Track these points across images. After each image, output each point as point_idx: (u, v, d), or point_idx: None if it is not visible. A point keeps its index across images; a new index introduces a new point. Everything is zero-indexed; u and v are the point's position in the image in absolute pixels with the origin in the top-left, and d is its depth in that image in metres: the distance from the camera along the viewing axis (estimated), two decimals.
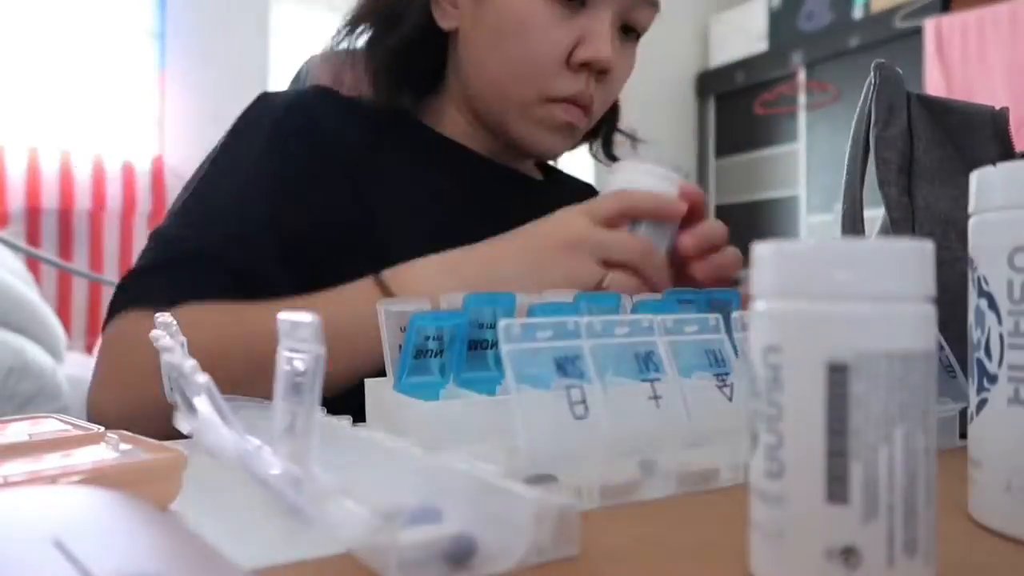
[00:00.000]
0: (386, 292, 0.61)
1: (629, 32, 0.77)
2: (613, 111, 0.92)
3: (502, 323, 0.35)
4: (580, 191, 0.96)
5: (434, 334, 0.45)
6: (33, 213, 2.37)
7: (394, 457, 0.36)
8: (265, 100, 0.77)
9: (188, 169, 0.78)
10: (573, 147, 0.85)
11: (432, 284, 0.59)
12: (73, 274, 2.34)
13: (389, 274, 0.62)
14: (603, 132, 0.93)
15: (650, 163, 0.64)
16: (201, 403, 0.32)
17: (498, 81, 0.76)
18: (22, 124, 2.40)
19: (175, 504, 0.35)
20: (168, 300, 0.60)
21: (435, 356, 0.45)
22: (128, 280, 0.67)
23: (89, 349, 2.35)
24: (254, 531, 0.32)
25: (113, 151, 2.51)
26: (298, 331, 0.29)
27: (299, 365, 0.28)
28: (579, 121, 0.76)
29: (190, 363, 0.34)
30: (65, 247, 2.43)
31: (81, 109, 2.50)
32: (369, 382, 0.49)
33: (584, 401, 0.36)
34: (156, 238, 0.70)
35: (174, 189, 2.33)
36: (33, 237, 2.36)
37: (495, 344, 0.46)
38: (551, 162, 0.97)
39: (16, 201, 2.33)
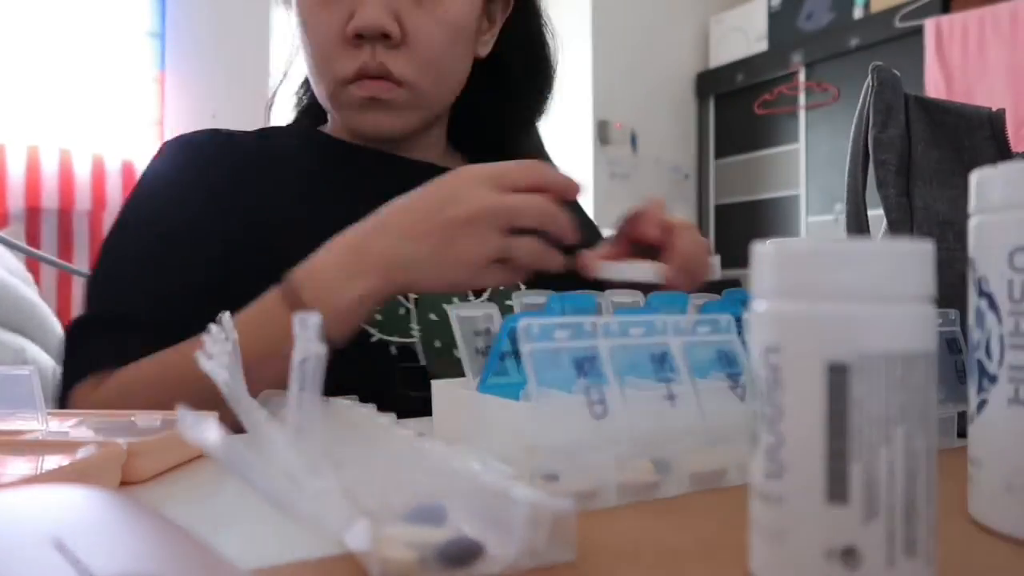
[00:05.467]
0: (299, 305, 0.56)
1: None
2: (525, 73, 0.87)
3: (522, 323, 0.35)
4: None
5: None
6: (33, 213, 2.37)
7: (408, 452, 0.36)
8: (166, 148, 0.81)
9: None
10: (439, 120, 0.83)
11: (344, 290, 0.56)
12: (73, 274, 2.34)
13: (296, 287, 0.57)
14: (522, 96, 0.89)
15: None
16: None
17: (313, 80, 0.79)
18: (22, 123, 2.40)
19: (177, 505, 0.35)
20: (110, 364, 0.63)
21: (511, 357, 0.45)
22: (74, 337, 0.69)
23: None
24: (254, 531, 0.32)
25: (113, 151, 2.50)
26: (305, 329, 0.29)
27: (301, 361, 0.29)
28: (383, 93, 0.74)
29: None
30: (65, 247, 2.42)
31: (81, 109, 2.50)
32: (436, 383, 0.49)
33: (603, 401, 0.36)
34: (91, 290, 0.72)
35: None
36: (33, 237, 2.36)
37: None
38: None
39: (16, 201, 2.32)
